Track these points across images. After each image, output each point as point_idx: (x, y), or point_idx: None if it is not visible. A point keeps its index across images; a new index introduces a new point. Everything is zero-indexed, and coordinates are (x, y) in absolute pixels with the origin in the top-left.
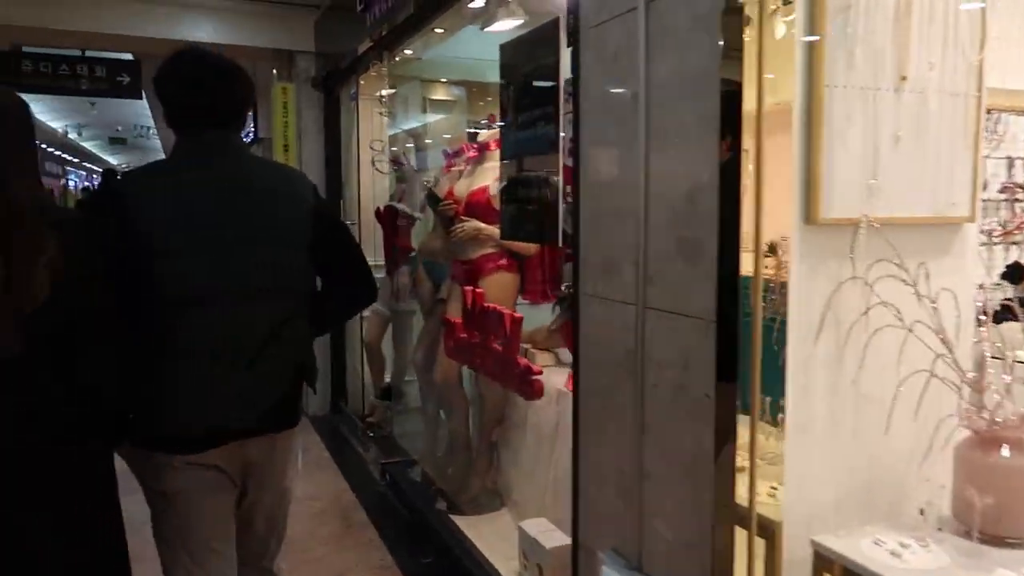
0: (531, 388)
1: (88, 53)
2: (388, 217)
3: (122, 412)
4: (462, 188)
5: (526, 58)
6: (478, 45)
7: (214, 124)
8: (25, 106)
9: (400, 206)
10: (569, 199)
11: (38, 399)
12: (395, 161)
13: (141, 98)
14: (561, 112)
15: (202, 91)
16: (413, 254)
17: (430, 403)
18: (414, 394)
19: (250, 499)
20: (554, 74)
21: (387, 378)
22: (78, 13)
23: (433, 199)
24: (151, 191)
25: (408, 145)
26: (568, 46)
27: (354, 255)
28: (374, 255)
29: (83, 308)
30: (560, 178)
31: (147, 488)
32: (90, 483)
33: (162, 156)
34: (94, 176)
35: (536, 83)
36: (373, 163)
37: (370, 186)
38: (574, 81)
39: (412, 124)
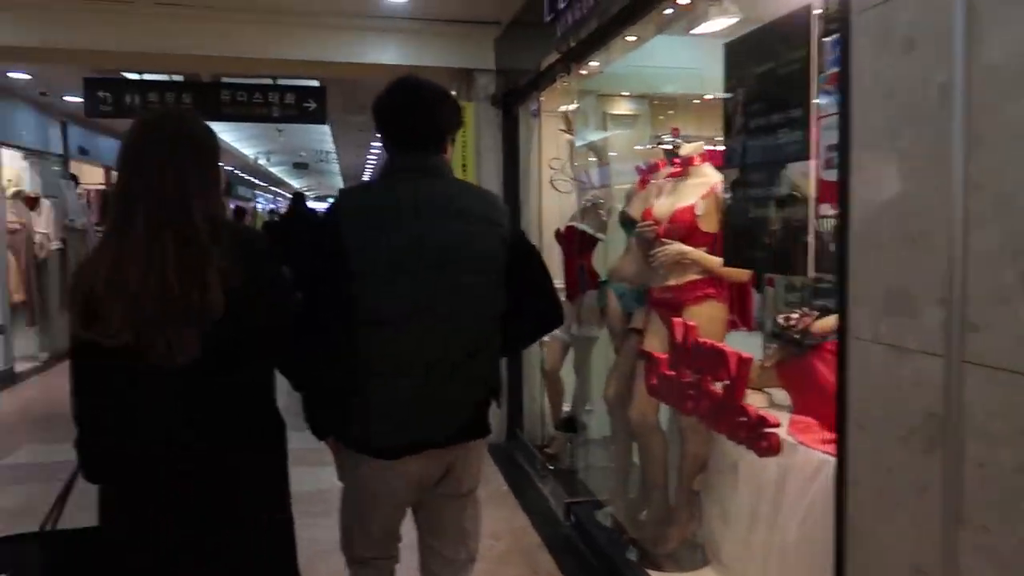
0: (765, 443)
1: (279, 81)
2: (570, 238)
3: (315, 416)
4: (663, 208)
5: (764, 55)
6: (665, 54)
7: (422, 147)
8: (210, 131)
9: (583, 226)
10: (823, 217)
11: (209, 406)
12: (577, 179)
13: (325, 123)
14: (813, 115)
15: (414, 116)
16: (603, 279)
17: (621, 441)
18: (596, 426)
19: (438, 504)
20: (803, 71)
21: (566, 407)
22: (271, 42)
23: (627, 220)
24: (356, 213)
25: (591, 159)
26: (825, 36)
27: (544, 280)
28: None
29: (252, 325)
30: (811, 192)
31: (341, 469)
32: (260, 487)
33: (339, 179)
34: (279, 199)
35: (778, 82)
36: (552, 182)
37: (550, 206)
38: (841, 76)
39: (591, 140)
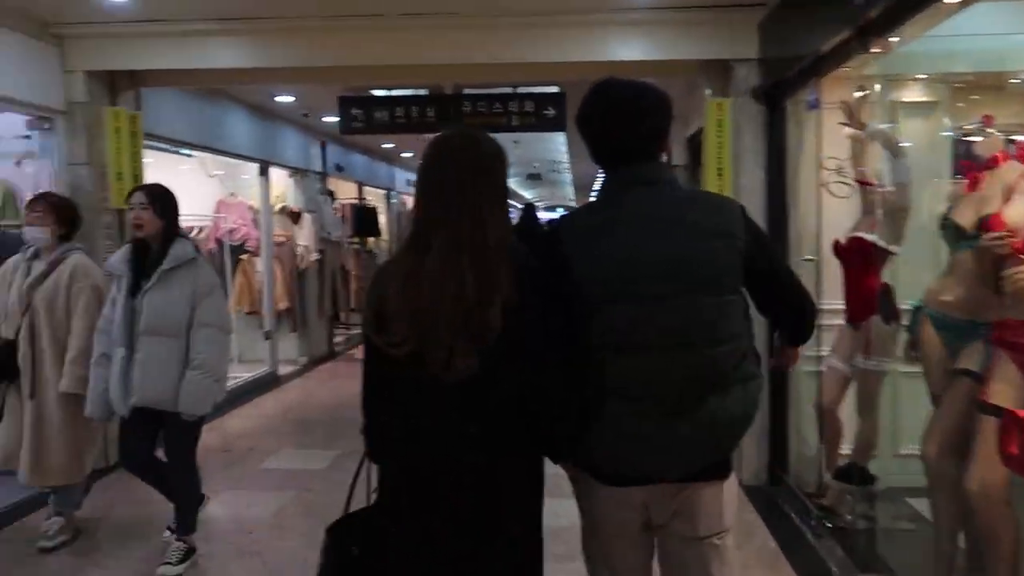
0: None
1: (518, 90)
2: (854, 251)
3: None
4: (1018, 213)
5: None
6: (984, 22)
7: (636, 157)
8: (500, 151)
9: (872, 236)
10: None
11: (494, 423)
12: (861, 181)
13: (564, 130)
14: None
15: (620, 124)
16: (915, 303)
17: (946, 516)
18: (889, 479)
19: (677, 548)
20: None
21: (844, 451)
22: (511, 46)
23: (953, 229)
24: (575, 235)
25: (880, 155)
26: None
27: (794, 285)
28: (830, 297)
29: (527, 340)
30: None
31: (580, 505)
32: (522, 502)
33: (570, 189)
34: (511, 210)
35: None
36: (826, 185)
37: (827, 213)
38: None
39: (880, 131)
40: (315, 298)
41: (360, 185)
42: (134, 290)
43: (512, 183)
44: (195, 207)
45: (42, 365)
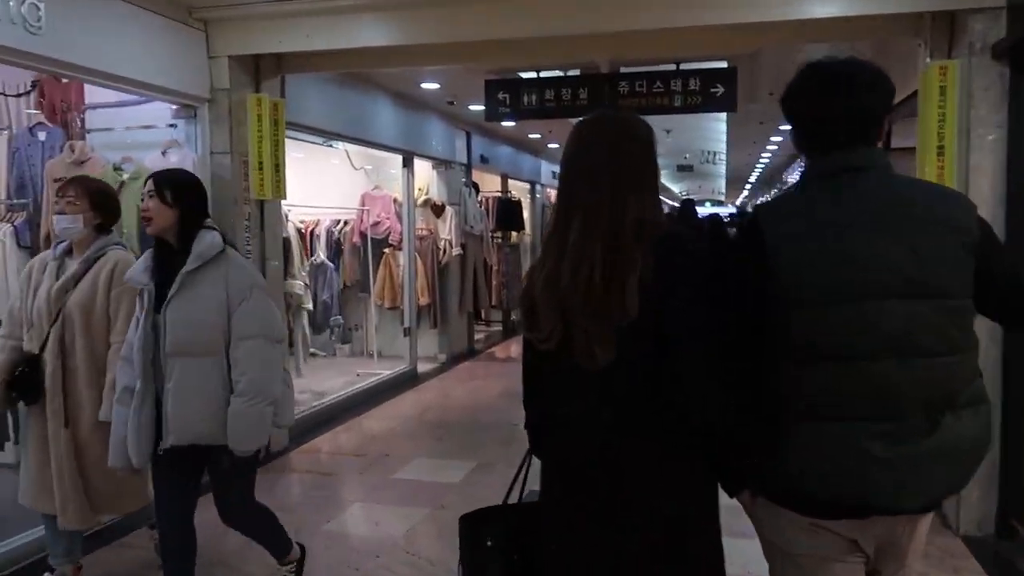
0: None
1: (682, 66)
2: None
3: (739, 460)
4: None
5: None
6: None
7: (850, 142)
8: (647, 129)
9: None
10: None
11: (624, 407)
12: None
13: (735, 109)
14: None
15: (835, 104)
16: None
17: None
18: None
19: None
20: None
21: None
22: (679, 7)
23: None
24: (779, 230)
25: None
26: None
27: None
28: None
29: (673, 327)
30: None
31: (767, 542)
32: (685, 499)
33: (722, 182)
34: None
35: None
36: None
37: None
38: None
39: None
40: (456, 294)
41: (504, 177)
42: (159, 303)
43: (663, 175)
44: (341, 200)
45: (75, 385)
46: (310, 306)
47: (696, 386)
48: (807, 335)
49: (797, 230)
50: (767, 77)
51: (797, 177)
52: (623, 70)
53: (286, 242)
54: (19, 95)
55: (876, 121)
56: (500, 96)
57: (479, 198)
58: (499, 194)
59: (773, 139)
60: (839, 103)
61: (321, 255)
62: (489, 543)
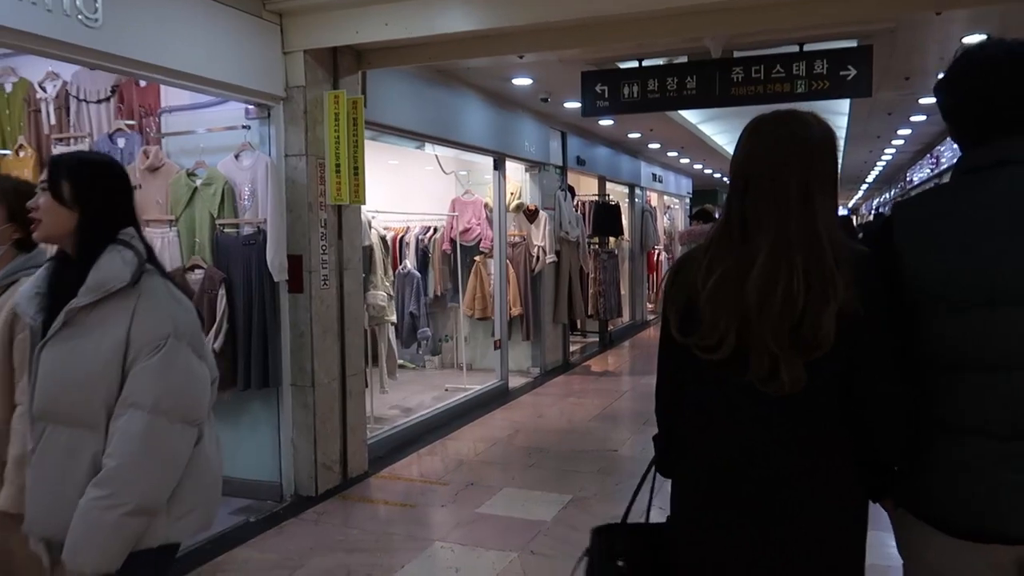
0: None
1: (805, 47)
2: None
3: (890, 465)
4: None
5: None
6: None
7: (1013, 128)
8: (832, 135)
9: None
10: None
11: (817, 434)
12: None
13: (870, 94)
14: None
15: (1002, 85)
16: None
17: None
18: None
19: None
20: None
21: None
22: None
23: None
24: (919, 227)
25: None
26: None
27: None
28: None
29: (866, 347)
30: None
31: (903, 545)
32: (844, 523)
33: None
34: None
35: None
36: None
37: None
38: None
39: None
40: (550, 303)
41: (602, 180)
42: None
43: None
44: (431, 206)
45: None
46: (394, 318)
47: (893, 427)
48: (948, 341)
49: (942, 225)
50: (902, 59)
51: (922, 175)
52: (737, 55)
53: (368, 251)
54: (99, 101)
55: None
56: (598, 89)
57: (575, 202)
58: (596, 198)
59: (900, 132)
60: (1007, 84)
61: (408, 264)
62: (620, 563)
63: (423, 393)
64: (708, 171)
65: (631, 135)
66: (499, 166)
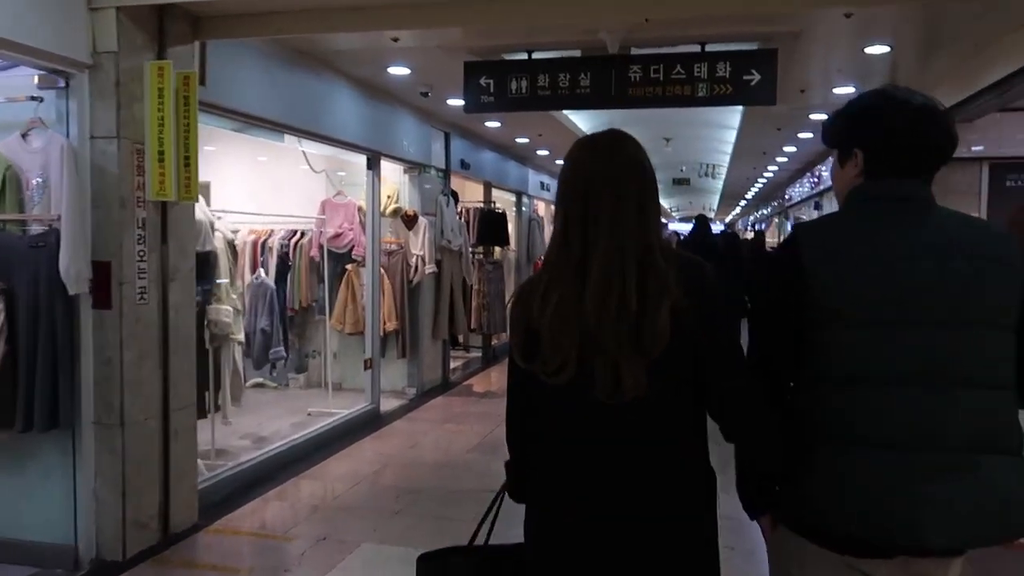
0: None
1: (708, 47)
2: None
3: (767, 477)
4: None
5: None
6: None
7: (914, 172)
8: (648, 160)
9: None
10: None
11: (666, 445)
12: None
13: (775, 102)
14: None
15: (917, 134)
16: None
17: None
18: None
19: None
20: None
21: None
22: None
23: None
24: (825, 250)
25: None
26: None
27: None
28: None
29: (707, 346)
30: None
31: (776, 562)
32: (696, 532)
33: (715, 198)
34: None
35: None
36: None
37: None
38: None
39: None
40: (429, 317)
41: (488, 186)
42: None
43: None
44: (297, 207)
45: None
46: (241, 336)
47: (758, 432)
48: (847, 356)
49: (842, 251)
50: (801, 69)
51: (802, 192)
52: (635, 51)
53: (210, 258)
54: None
55: (944, 159)
56: (483, 82)
57: (458, 209)
58: (481, 205)
59: (786, 149)
60: (921, 135)
61: (262, 273)
62: None
63: (282, 418)
64: None
65: (519, 140)
66: (373, 165)
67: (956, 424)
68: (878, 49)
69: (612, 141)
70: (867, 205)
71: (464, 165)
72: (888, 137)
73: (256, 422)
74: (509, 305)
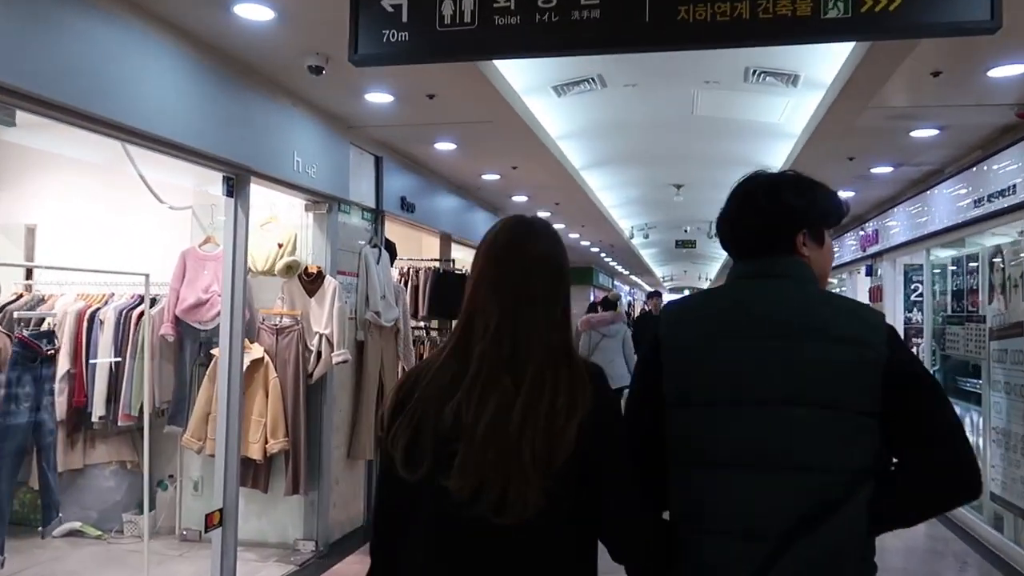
0: None
1: None
2: None
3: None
4: None
5: None
6: None
7: (759, 251)
8: (564, 251)
9: None
10: None
11: (556, 555)
12: None
13: (999, 25)
14: None
15: (738, 217)
16: None
17: None
18: None
19: None
20: None
21: None
22: None
23: None
24: (677, 328)
25: None
26: None
27: (941, 420)
28: None
29: (602, 456)
30: None
31: None
32: None
33: (716, 268)
34: (635, 291)
35: None
36: None
37: None
38: None
39: None
40: (343, 428)
41: (446, 240)
42: None
43: (648, 255)
44: (153, 260)
45: None
46: None
47: (638, 537)
48: (690, 439)
49: (690, 329)
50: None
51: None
52: None
53: None
54: None
55: (790, 230)
56: (385, 2)
57: (396, 267)
58: (436, 263)
59: (844, 193)
60: (741, 218)
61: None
62: None
63: None
64: (585, 243)
65: (486, 176)
66: (236, 190)
67: (768, 508)
68: None
69: (517, 235)
70: (734, 283)
71: (407, 206)
72: (719, 224)
73: None
74: (387, 405)
